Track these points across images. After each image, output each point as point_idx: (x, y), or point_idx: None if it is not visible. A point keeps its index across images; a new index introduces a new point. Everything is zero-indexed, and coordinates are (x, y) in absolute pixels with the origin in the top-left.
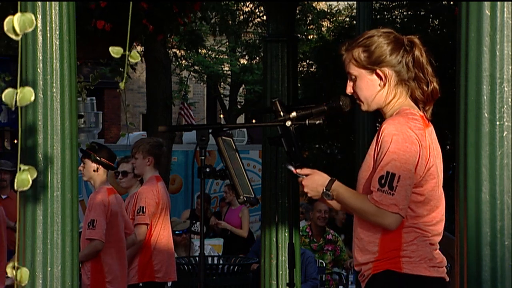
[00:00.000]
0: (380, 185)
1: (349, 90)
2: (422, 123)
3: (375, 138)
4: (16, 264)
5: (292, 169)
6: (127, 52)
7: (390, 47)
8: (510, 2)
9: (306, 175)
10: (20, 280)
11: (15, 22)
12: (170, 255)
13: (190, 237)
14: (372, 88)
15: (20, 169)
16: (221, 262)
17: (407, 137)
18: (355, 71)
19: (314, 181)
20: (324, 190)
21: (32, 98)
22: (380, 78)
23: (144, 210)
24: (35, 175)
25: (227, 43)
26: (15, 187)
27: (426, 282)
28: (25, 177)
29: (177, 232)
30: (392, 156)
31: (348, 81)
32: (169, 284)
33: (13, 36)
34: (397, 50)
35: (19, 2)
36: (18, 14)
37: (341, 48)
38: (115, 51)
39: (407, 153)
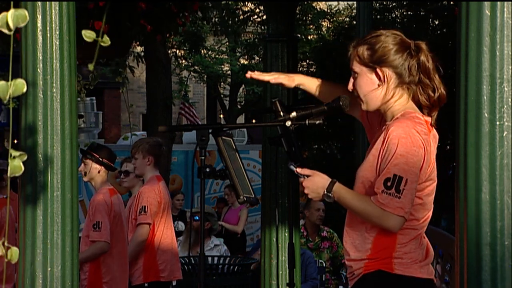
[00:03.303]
0: (385, 187)
1: (349, 86)
2: (426, 128)
3: (381, 139)
4: (6, 243)
5: (294, 169)
6: (99, 38)
7: (394, 49)
8: (510, 2)
9: (307, 176)
10: (10, 259)
11: (9, 18)
12: (174, 254)
13: (190, 227)
14: (370, 86)
15: (11, 155)
16: (221, 262)
17: (415, 141)
18: (357, 67)
19: (315, 182)
20: (325, 192)
21: (25, 89)
22: (379, 78)
23: (146, 209)
24: (25, 158)
25: (227, 43)
26: (8, 174)
27: (417, 283)
28: (17, 164)
29: (196, 218)
30: (400, 159)
31: (351, 78)
32: (174, 283)
33: (5, 31)
34: (401, 53)
35: (20, 2)
36: (12, 10)
37: (349, 44)
38: (88, 35)
39: (415, 156)
